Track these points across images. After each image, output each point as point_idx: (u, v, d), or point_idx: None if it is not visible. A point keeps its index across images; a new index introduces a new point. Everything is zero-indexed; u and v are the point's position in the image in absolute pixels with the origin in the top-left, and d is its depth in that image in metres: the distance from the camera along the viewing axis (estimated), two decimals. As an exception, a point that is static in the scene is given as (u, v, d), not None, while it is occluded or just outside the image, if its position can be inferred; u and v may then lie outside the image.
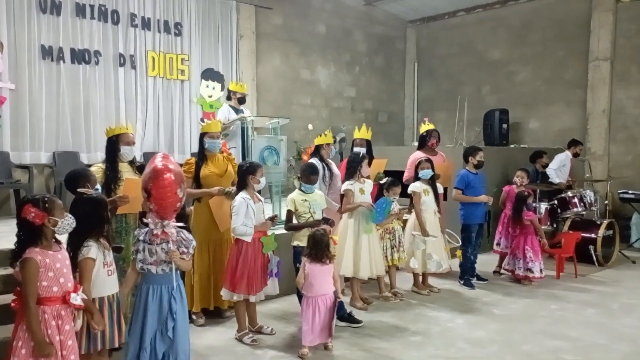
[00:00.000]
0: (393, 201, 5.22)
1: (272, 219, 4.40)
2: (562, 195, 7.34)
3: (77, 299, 2.77)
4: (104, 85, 7.70)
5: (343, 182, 5.24)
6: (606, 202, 7.81)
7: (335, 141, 8.29)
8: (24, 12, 6.96)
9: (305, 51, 10.11)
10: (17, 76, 6.95)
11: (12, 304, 2.79)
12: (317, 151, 5.48)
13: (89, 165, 4.74)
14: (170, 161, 3.18)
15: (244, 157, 5.49)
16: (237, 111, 6.83)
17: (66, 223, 2.81)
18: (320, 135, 5.52)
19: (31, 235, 2.72)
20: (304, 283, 4.09)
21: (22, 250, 2.72)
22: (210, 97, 8.79)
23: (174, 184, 3.10)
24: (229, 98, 7.08)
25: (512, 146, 9.23)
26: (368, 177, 5.31)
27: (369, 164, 5.32)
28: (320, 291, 4.08)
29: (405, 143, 11.66)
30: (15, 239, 2.78)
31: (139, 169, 4.25)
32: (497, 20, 10.38)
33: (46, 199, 2.77)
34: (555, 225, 7.39)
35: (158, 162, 3.14)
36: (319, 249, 4.07)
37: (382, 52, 11.42)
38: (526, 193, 6.23)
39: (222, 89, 8.88)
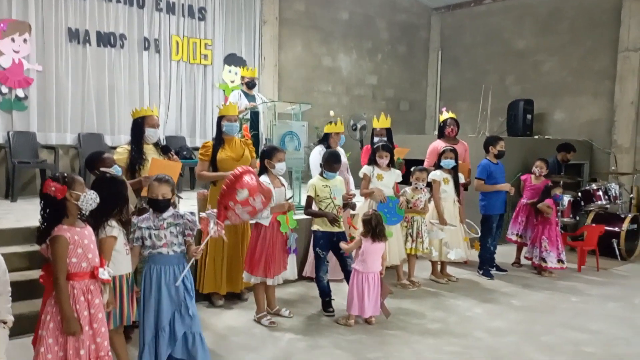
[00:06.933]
0: (396, 198, 5.13)
1: (288, 199, 4.43)
2: (587, 187, 7.22)
3: (104, 273, 2.81)
4: (129, 69, 7.79)
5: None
6: (631, 195, 7.65)
7: (355, 128, 8.31)
8: (51, -5, 7.06)
9: (328, 38, 10.06)
10: (44, 58, 7.06)
11: (41, 280, 2.84)
12: (325, 139, 5.49)
13: (114, 147, 4.81)
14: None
15: (255, 144, 5.47)
16: (247, 96, 6.84)
17: (89, 197, 2.77)
18: (331, 124, 5.51)
19: (56, 211, 2.71)
20: (355, 256, 4.44)
21: (49, 228, 2.71)
22: (232, 82, 8.81)
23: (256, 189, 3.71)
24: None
25: (536, 137, 9.08)
26: (389, 166, 5.26)
27: (390, 151, 5.24)
28: (372, 268, 4.30)
29: (426, 132, 11.55)
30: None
31: (163, 150, 4.30)
32: (524, 8, 10.16)
33: (65, 174, 2.77)
34: (577, 218, 7.28)
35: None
36: (380, 228, 4.29)
37: (405, 40, 11.29)
38: (551, 185, 6.15)
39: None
